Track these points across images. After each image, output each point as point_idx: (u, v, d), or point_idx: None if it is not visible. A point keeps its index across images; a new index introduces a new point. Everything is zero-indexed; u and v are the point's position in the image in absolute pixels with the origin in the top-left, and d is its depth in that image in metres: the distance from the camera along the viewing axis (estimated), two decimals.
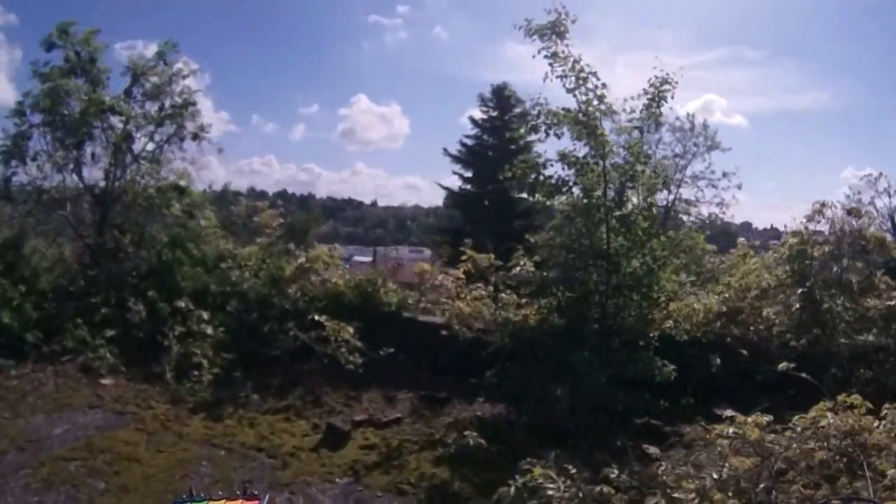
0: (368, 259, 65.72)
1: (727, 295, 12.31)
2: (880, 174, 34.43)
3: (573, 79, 10.39)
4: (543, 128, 10.59)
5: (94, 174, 14.82)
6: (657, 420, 9.70)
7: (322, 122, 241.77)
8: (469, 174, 40.95)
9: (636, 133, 10.79)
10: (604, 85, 10.39)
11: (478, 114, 41.16)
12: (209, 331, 11.44)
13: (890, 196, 36.12)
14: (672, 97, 10.56)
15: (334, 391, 10.54)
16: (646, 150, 10.97)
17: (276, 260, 12.81)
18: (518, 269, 10.97)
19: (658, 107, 10.63)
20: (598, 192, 10.51)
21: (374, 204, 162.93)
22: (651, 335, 10.50)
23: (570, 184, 10.66)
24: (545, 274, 10.77)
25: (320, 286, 12.09)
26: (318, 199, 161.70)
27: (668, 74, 10.58)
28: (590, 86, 10.36)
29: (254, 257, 13.61)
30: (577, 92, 10.40)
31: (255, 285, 12.67)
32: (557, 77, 10.51)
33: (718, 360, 10.81)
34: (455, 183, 41.92)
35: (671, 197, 38.36)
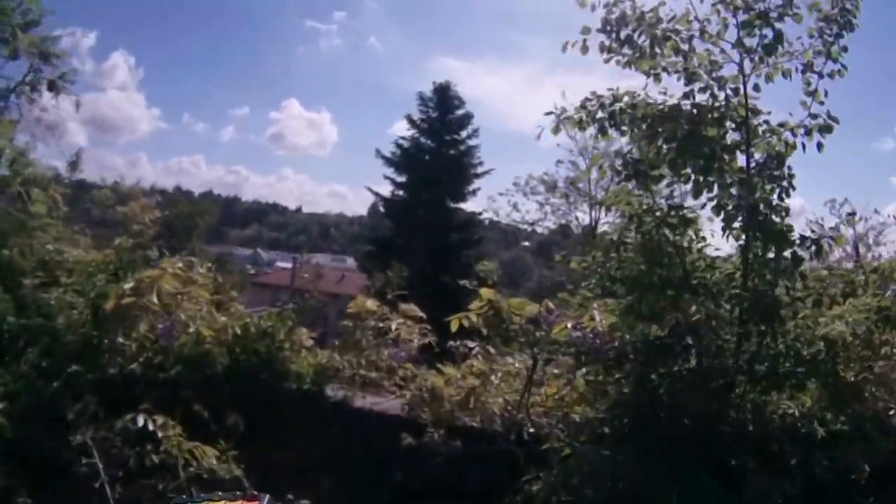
0: (290, 265, 59.61)
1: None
2: (845, 200, 30.61)
3: None
4: (648, 41, 5.01)
5: None
6: None
7: (252, 125, 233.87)
8: (402, 179, 35.08)
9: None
10: None
11: (416, 114, 35.38)
12: None
13: (854, 225, 32.23)
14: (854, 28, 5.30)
15: None
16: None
17: (104, 282, 6.72)
18: (577, 331, 5.16)
19: (840, 34, 5.25)
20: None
21: (298, 210, 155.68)
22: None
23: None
24: (633, 342, 5.10)
25: (169, 334, 6.04)
26: (244, 201, 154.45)
27: None
28: None
29: (89, 269, 7.45)
30: None
31: (76, 321, 6.59)
32: None
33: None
34: (387, 189, 36.02)
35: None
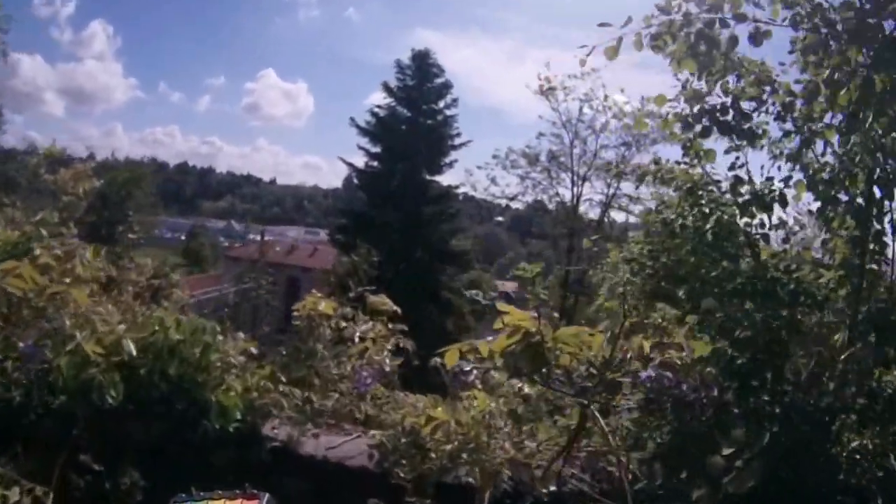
0: (265, 239, 57.58)
1: None
2: None
3: None
4: None
5: None
6: None
7: (227, 95, 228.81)
8: (377, 149, 33.01)
9: None
10: None
11: (393, 83, 33.21)
12: None
13: None
14: None
15: None
16: None
17: None
18: (648, 369, 3.29)
19: None
20: None
21: (272, 181, 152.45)
22: None
23: None
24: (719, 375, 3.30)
25: (34, 354, 4.17)
26: (218, 172, 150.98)
27: None
28: None
29: None
30: None
31: None
32: None
33: None
34: (361, 160, 33.88)
35: (610, 191, 31.56)
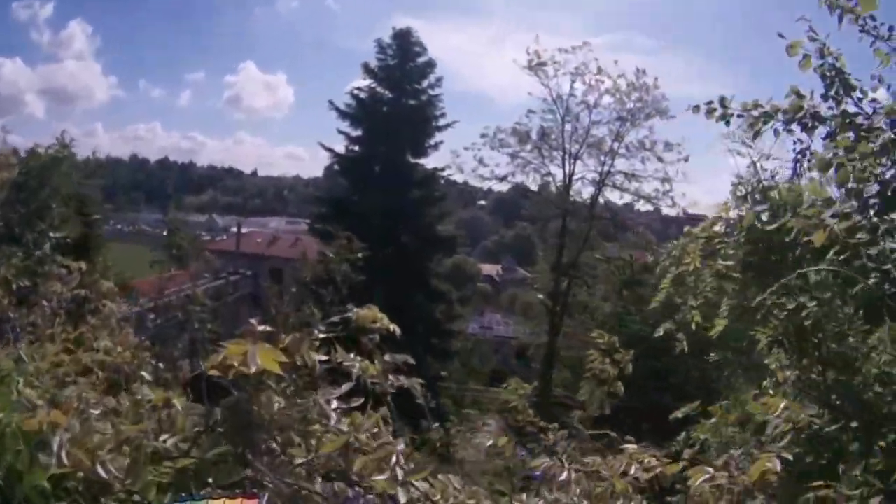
0: (246, 230, 55.23)
1: None
2: None
3: None
4: None
5: None
6: None
7: (208, 89, 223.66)
8: (358, 133, 30.91)
9: None
10: None
11: (374, 63, 31.09)
12: None
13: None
14: None
15: None
16: None
17: None
18: None
19: None
20: None
21: (254, 173, 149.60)
22: None
23: None
24: None
25: None
26: (200, 167, 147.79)
27: None
28: None
29: None
30: None
31: None
32: None
33: None
34: (342, 146, 31.70)
35: (604, 168, 29.61)
